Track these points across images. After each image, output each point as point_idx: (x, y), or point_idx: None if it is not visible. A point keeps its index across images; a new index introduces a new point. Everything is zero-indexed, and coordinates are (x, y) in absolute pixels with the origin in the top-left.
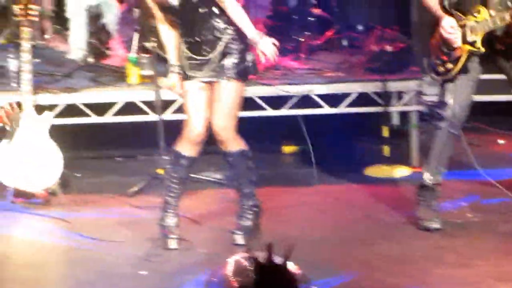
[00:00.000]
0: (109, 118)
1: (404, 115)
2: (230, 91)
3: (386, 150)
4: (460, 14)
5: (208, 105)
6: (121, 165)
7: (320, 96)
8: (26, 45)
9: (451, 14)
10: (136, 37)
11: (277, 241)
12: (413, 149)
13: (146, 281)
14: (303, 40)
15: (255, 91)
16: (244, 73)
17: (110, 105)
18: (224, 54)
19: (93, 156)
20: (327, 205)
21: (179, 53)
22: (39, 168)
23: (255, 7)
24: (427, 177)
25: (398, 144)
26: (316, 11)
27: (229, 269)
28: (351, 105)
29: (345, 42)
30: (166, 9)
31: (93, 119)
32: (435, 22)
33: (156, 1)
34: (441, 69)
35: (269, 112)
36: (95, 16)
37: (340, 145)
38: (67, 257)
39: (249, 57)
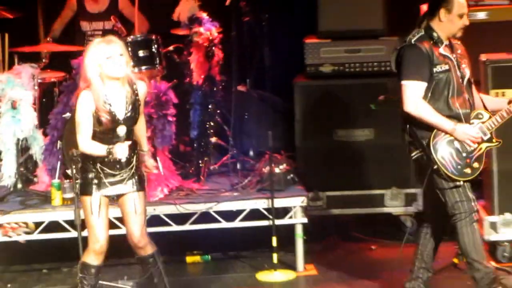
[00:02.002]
0: (36, 236)
1: (290, 227)
2: (143, 201)
3: (275, 257)
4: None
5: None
6: (47, 276)
7: (218, 212)
8: None
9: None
10: (59, 165)
11: None
12: (298, 257)
13: None
14: (203, 165)
15: (162, 209)
16: (144, 184)
17: (37, 224)
18: (135, 168)
19: (22, 270)
20: None
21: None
22: None
23: (162, 137)
24: None
25: (286, 252)
26: (214, 140)
27: None
28: (244, 219)
29: (239, 166)
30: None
31: (22, 237)
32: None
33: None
34: (468, 171)
35: (174, 227)
36: (23, 148)
37: (235, 255)
38: None
39: (142, 169)
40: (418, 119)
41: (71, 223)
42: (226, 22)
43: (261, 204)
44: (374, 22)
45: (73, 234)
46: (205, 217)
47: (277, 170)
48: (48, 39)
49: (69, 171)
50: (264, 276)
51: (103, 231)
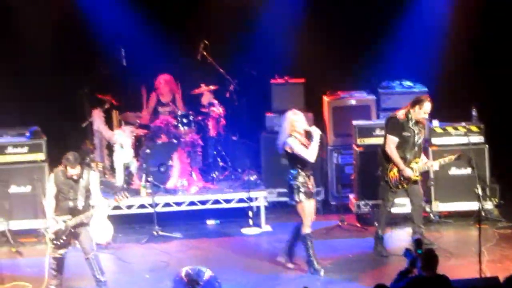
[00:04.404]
0: (133, 210)
1: (258, 207)
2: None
3: (250, 221)
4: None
5: None
6: (138, 230)
7: (223, 199)
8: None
9: (402, 158)
10: (144, 176)
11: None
12: (262, 221)
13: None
14: (215, 175)
15: (196, 197)
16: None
17: (133, 205)
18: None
19: (126, 227)
20: (227, 247)
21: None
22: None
23: (195, 162)
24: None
25: (255, 219)
26: (220, 163)
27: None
28: (236, 203)
29: (233, 176)
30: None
31: (124, 210)
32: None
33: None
34: (400, 186)
35: (200, 206)
36: (126, 167)
37: (231, 220)
38: (113, 263)
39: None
40: (389, 156)
41: (150, 205)
42: (227, 105)
43: (244, 195)
44: (299, 105)
45: (150, 210)
46: (216, 201)
47: (251, 178)
48: (140, 114)
49: (149, 179)
50: (244, 230)
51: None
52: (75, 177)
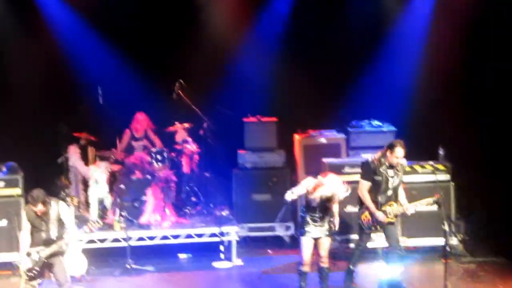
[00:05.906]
0: (107, 244)
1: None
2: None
3: (222, 255)
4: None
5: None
6: (111, 263)
7: (195, 234)
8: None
9: (375, 202)
10: (118, 211)
11: None
12: (233, 255)
13: None
14: (188, 211)
15: (168, 232)
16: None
17: (106, 239)
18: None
19: (100, 260)
20: (199, 280)
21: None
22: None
23: (169, 197)
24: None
25: (226, 253)
26: (193, 199)
27: None
28: (208, 237)
29: (205, 211)
30: None
31: (98, 244)
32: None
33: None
34: (373, 228)
35: (172, 240)
36: (101, 202)
37: (202, 254)
38: None
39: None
40: (362, 200)
41: (123, 239)
42: (200, 142)
43: (216, 229)
44: (271, 143)
45: (124, 244)
46: (188, 236)
47: (223, 213)
48: (115, 150)
49: (123, 213)
50: (216, 264)
51: (308, 254)
52: (39, 213)
